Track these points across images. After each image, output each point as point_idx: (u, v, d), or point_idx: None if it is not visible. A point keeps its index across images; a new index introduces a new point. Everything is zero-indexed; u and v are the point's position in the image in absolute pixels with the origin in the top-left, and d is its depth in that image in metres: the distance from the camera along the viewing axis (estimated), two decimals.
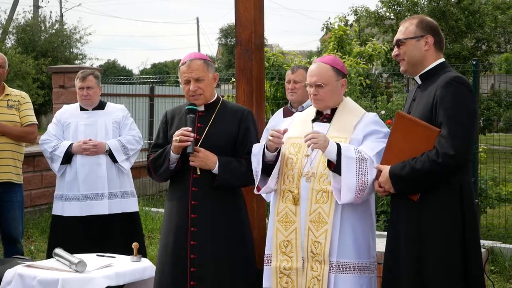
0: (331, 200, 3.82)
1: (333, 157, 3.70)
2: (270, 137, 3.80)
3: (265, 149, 3.93)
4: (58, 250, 4.99)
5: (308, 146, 3.76)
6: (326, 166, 3.83)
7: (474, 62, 9.15)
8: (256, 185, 4.13)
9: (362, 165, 3.71)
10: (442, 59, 3.83)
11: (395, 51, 3.88)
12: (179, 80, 4.41)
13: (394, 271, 3.74)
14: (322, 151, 3.73)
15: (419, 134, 3.61)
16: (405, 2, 21.39)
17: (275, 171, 3.95)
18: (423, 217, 3.60)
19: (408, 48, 3.81)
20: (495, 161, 10.26)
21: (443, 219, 3.58)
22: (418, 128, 3.62)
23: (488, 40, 21.75)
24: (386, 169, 3.62)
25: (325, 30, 23.26)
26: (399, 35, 3.86)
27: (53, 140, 6.26)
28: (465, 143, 3.50)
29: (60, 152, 6.16)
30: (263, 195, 4.32)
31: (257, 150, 4.03)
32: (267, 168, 4.00)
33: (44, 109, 19.42)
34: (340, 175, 3.68)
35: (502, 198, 8.76)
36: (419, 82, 3.85)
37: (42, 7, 31.60)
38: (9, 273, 4.74)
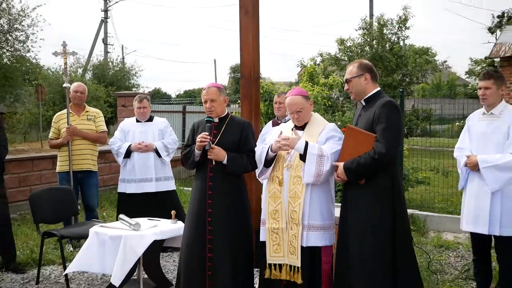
0: (302, 185, 3.88)
1: (301, 152, 3.78)
2: (281, 145, 3.85)
3: (269, 150, 3.98)
4: (122, 216, 4.99)
5: (280, 147, 3.86)
6: (299, 159, 3.87)
7: (401, 90, 9.23)
8: (258, 173, 4.19)
9: (321, 159, 3.75)
10: (378, 88, 3.88)
11: (346, 86, 3.97)
12: (202, 100, 4.45)
13: (345, 229, 3.79)
14: (291, 148, 3.83)
15: (362, 139, 3.68)
16: (354, 49, 21.37)
17: (274, 165, 4.06)
18: (366, 194, 3.66)
19: (353, 84, 3.87)
20: (414, 156, 10.40)
21: (380, 195, 3.65)
22: (361, 135, 3.70)
23: (410, 75, 21.75)
24: (341, 164, 3.68)
25: (300, 67, 23.32)
26: (346, 76, 3.94)
27: (118, 142, 6.27)
28: (392, 145, 3.58)
29: (123, 150, 6.16)
30: (260, 180, 4.30)
31: (259, 150, 4.10)
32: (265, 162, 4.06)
33: (111, 121, 19.35)
34: None
35: (418, 181, 8.81)
36: (363, 104, 3.89)
37: (110, 52, 31.49)
38: (90, 231, 4.75)
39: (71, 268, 4.63)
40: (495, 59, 15.26)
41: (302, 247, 3.87)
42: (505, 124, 4.12)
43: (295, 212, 3.89)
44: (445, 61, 38.36)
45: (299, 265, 3.85)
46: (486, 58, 27.23)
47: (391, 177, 3.68)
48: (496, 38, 23.91)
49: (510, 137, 4.09)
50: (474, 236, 4.35)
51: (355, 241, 3.67)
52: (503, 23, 28.53)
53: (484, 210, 4.12)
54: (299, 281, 3.86)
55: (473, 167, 4.17)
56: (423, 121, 20.34)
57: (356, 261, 3.65)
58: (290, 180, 3.94)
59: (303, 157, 3.80)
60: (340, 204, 4.02)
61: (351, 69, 3.90)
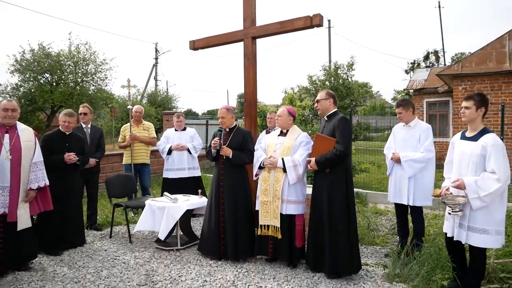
0: (282, 173, 3.90)
1: (281, 167, 3.88)
2: (268, 164, 3.96)
3: (262, 163, 4.04)
4: (165, 193, 4.96)
5: (266, 166, 3.99)
6: (281, 157, 3.92)
7: (349, 110, 9.23)
8: (254, 174, 4.19)
9: (296, 167, 3.84)
10: (336, 109, 3.93)
11: (316, 105, 3.98)
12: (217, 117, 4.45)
13: (315, 201, 3.80)
14: (274, 167, 3.92)
15: (327, 142, 3.71)
16: (318, 83, 21.41)
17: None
18: (329, 178, 3.70)
19: (321, 104, 3.89)
20: (358, 153, 10.40)
21: (338, 179, 3.69)
22: (326, 139, 3.74)
23: (355, 100, 21.76)
24: (313, 159, 3.72)
25: (284, 93, 23.47)
26: (317, 98, 3.98)
27: (163, 144, 6.21)
28: (347, 146, 3.67)
29: (166, 149, 6.11)
30: (254, 178, 4.24)
31: (256, 159, 4.13)
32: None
33: (159, 130, 19.38)
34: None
35: (362, 170, 8.80)
36: (326, 118, 3.91)
37: (158, 85, 31.47)
38: (145, 203, 4.72)
39: (137, 228, 4.62)
40: (410, 90, 15.32)
41: (281, 214, 3.89)
42: (417, 133, 4.18)
43: (277, 191, 3.91)
44: (378, 91, 38.87)
45: (279, 226, 3.88)
46: (404, 89, 27.29)
47: (345, 167, 3.74)
48: (410, 77, 23.99)
49: (421, 142, 4.14)
50: (397, 206, 4.35)
51: (323, 208, 3.70)
52: (414, 67, 28.98)
53: (403, 188, 4.15)
54: (279, 236, 3.90)
55: (397, 160, 4.20)
56: (364, 130, 20.45)
57: (325, 219, 3.67)
58: (275, 170, 3.95)
59: (284, 170, 3.87)
60: (311, 185, 4.02)
61: (321, 94, 3.95)
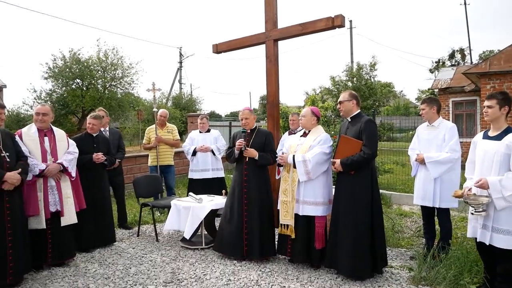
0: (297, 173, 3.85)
1: (291, 162, 3.86)
2: (279, 160, 3.98)
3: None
4: (190, 193, 5.02)
5: (278, 161, 4.02)
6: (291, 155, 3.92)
7: (372, 111, 9.10)
8: (277, 173, 4.22)
9: (305, 163, 3.79)
10: (359, 110, 3.86)
11: (339, 106, 3.92)
12: (240, 118, 4.47)
13: (338, 203, 3.72)
14: (285, 162, 3.93)
15: (353, 144, 3.65)
16: (341, 83, 21.20)
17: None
18: (353, 180, 3.63)
19: (344, 105, 3.82)
20: (382, 154, 10.17)
21: (363, 180, 3.61)
22: (352, 141, 3.66)
23: (378, 101, 21.41)
24: (338, 161, 3.65)
25: (305, 95, 23.37)
26: (340, 99, 3.90)
27: (187, 146, 6.28)
28: (375, 148, 3.59)
29: (191, 151, 6.16)
30: (277, 177, 4.28)
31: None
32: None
33: (184, 132, 19.63)
34: None
35: (385, 171, 8.64)
36: (349, 120, 3.85)
37: (182, 88, 31.90)
38: (171, 203, 4.79)
39: (165, 228, 4.71)
40: (435, 90, 14.94)
41: (298, 215, 3.89)
42: (442, 132, 4.06)
43: (293, 191, 3.90)
44: (401, 91, 38.22)
45: (293, 225, 3.89)
46: (429, 89, 26.65)
47: (370, 168, 3.66)
48: (435, 76, 23.40)
49: (446, 141, 4.01)
50: (423, 208, 4.24)
51: (346, 209, 3.62)
52: (439, 66, 28.26)
53: (429, 190, 4.03)
54: (293, 235, 3.91)
55: (421, 161, 4.09)
56: (387, 131, 20.10)
57: (347, 220, 3.60)
58: (293, 171, 3.92)
59: (294, 166, 3.85)
60: (333, 187, 3.97)
61: (344, 95, 3.87)
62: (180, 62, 32.03)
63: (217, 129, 8.59)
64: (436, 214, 4.18)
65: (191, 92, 31.75)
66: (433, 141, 4.09)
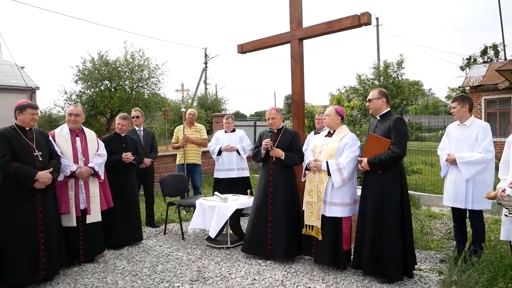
0: (326, 174, 3.81)
1: (325, 170, 3.78)
2: (313, 167, 3.90)
3: (308, 165, 3.99)
4: (216, 193, 5.06)
5: (311, 168, 3.93)
6: (325, 159, 3.85)
7: (400, 110, 8.91)
8: (302, 175, 4.15)
9: (341, 171, 3.73)
10: (389, 108, 3.77)
11: (368, 104, 3.86)
12: (266, 118, 4.45)
13: (365, 203, 3.66)
14: (319, 169, 3.84)
15: (381, 143, 3.58)
16: (367, 82, 20.84)
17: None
18: (382, 180, 3.55)
19: (373, 103, 3.75)
20: (410, 154, 9.93)
21: (392, 180, 3.53)
22: (380, 140, 3.59)
23: (406, 99, 20.92)
24: (365, 159, 3.60)
25: (330, 94, 23.13)
26: (369, 97, 3.84)
27: (213, 145, 6.35)
28: (404, 147, 3.50)
29: (216, 150, 6.23)
30: (303, 179, 4.21)
31: (304, 160, 4.12)
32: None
33: (209, 132, 19.86)
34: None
35: (414, 171, 8.45)
36: (379, 118, 3.76)
37: (208, 88, 32.19)
38: (196, 202, 4.84)
39: (190, 227, 4.77)
40: (466, 88, 14.47)
41: (325, 216, 3.84)
42: (474, 132, 3.92)
43: (320, 192, 3.85)
44: (430, 89, 37.24)
45: (320, 227, 3.84)
46: (459, 87, 25.84)
47: (399, 167, 3.58)
48: (466, 73, 22.65)
49: (478, 141, 3.87)
50: (454, 209, 4.12)
51: (374, 209, 3.55)
52: (470, 63, 27.34)
53: (460, 191, 3.90)
54: (320, 237, 3.85)
55: (452, 162, 3.96)
56: (416, 130, 19.64)
57: (375, 221, 3.53)
58: (319, 171, 3.88)
59: (328, 173, 3.78)
60: (359, 187, 3.91)
61: (373, 93, 3.80)
62: (205, 63, 32.33)
63: (242, 129, 8.64)
64: (468, 216, 4.05)
65: (216, 92, 32.01)
66: (464, 140, 3.96)
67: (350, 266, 3.91)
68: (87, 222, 4.13)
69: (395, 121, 3.55)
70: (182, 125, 6.64)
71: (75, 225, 4.01)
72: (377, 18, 25.92)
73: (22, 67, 20.52)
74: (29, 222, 3.47)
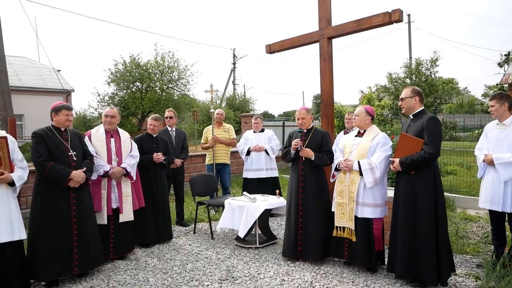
0: (357, 175, 3.75)
1: (357, 170, 3.72)
2: (344, 167, 3.84)
3: (338, 165, 3.94)
4: (244, 192, 5.08)
5: (342, 168, 3.87)
6: (357, 159, 3.78)
7: (433, 109, 8.63)
8: (331, 175, 4.11)
9: (372, 170, 3.66)
10: (423, 107, 3.64)
11: (400, 103, 3.75)
12: (296, 118, 4.42)
13: (398, 206, 3.56)
14: (350, 170, 3.78)
15: (413, 143, 3.46)
16: (399, 80, 20.34)
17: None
18: (415, 181, 3.44)
19: (406, 102, 3.64)
20: (444, 154, 9.63)
21: (425, 181, 3.41)
22: (413, 140, 3.48)
23: (440, 98, 20.26)
24: (397, 160, 3.50)
25: (360, 93, 22.72)
26: (402, 95, 3.72)
27: (242, 145, 6.39)
28: (438, 148, 3.37)
29: (245, 150, 6.27)
30: (331, 180, 4.17)
31: (334, 160, 4.08)
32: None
33: (237, 132, 19.99)
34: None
35: (448, 172, 8.17)
36: (412, 117, 3.65)
37: (236, 89, 32.40)
38: (225, 202, 4.88)
39: (219, 226, 4.81)
40: (505, 85, 13.84)
41: (357, 217, 3.75)
42: None
43: (352, 193, 3.78)
44: (465, 87, 35.96)
45: (353, 228, 3.76)
46: (497, 84, 24.74)
47: (433, 168, 3.45)
48: (504, 70, 21.66)
49: None
50: (492, 212, 3.95)
51: (407, 212, 3.45)
52: (509, 59, 26.13)
53: (498, 193, 3.74)
54: (354, 239, 3.78)
55: (489, 162, 3.80)
56: (450, 130, 18.97)
57: (409, 224, 3.42)
58: (350, 172, 3.82)
59: (360, 173, 3.72)
60: (391, 188, 3.82)
61: (406, 91, 3.69)
62: (234, 63, 32.55)
63: (271, 128, 8.63)
64: (507, 219, 3.87)
65: (245, 92, 32.17)
66: (503, 140, 3.79)
67: (381, 268, 3.83)
68: (120, 221, 4.25)
69: (428, 120, 3.43)
70: (211, 126, 6.71)
71: (106, 223, 4.14)
72: (408, 15, 25.28)
73: (59, 71, 21.40)
74: (63, 219, 3.60)
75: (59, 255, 3.56)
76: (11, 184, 3.26)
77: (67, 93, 20.76)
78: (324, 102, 4.99)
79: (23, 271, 3.38)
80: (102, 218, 4.12)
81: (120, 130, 4.50)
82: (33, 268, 3.51)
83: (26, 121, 19.05)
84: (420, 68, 20.47)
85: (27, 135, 15.59)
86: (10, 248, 3.22)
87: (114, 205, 4.23)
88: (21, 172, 3.35)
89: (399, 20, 4.25)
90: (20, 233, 3.27)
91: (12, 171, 3.27)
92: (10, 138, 3.35)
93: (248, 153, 6.23)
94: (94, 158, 4.06)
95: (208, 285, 3.60)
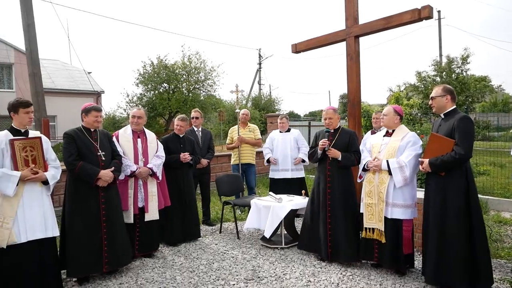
0: (387, 175, 3.68)
1: (386, 169, 3.66)
2: (373, 167, 3.78)
3: (366, 165, 3.89)
4: (270, 193, 5.07)
5: (370, 168, 3.81)
6: (385, 159, 3.70)
7: (465, 107, 8.34)
8: (358, 176, 4.06)
9: (402, 169, 3.59)
10: (455, 106, 3.50)
11: (430, 102, 3.63)
12: (322, 118, 4.38)
13: (428, 207, 3.45)
14: (379, 169, 3.71)
15: (444, 143, 3.34)
16: (428, 79, 19.78)
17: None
18: (445, 183, 3.33)
19: (437, 101, 3.51)
20: (476, 155, 9.26)
21: (456, 183, 3.29)
22: (443, 140, 3.35)
23: (472, 96, 19.58)
24: (426, 160, 3.39)
25: (389, 92, 22.23)
26: (432, 94, 3.59)
27: (267, 148, 6.37)
28: (469, 149, 3.24)
29: (269, 151, 6.29)
30: (359, 181, 4.12)
31: (361, 161, 4.02)
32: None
33: (263, 132, 20.00)
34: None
35: (480, 173, 7.88)
36: (443, 117, 3.52)
37: (261, 89, 32.42)
38: (251, 202, 4.89)
39: (245, 226, 4.84)
40: None
41: (386, 218, 3.67)
42: None
43: (381, 193, 3.71)
44: (500, 85, 34.54)
45: (383, 230, 3.69)
46: None
47: (465, 169, 3.31)
48: None
49: None
50: None
51: (436, 214, 3.33)
52: None
53: None
54: (383, 240, 3.70)
55: None
56: (483, 129, 18.29)
57: (439, 227, 3.31)
58: (379, 172, 3.75)
59: (389, 172, 3.64)
60: (421, 189, 3.72)
61: (437, 90, 3.55)
62: (260, 64, 32.60)
63: (297, 128, 8.58)
64: None
65: (270, 92, 32.13)
66: None
67: (409, 271, 3.74)
68: (146, 219, 4.33)
69: (460, 119, 3.31)
70: (236, 126, 6.74)
71: (132, 222, 4.22)
72: (438, 11, 24.57)
73: (89, 73, 22.09)
74: (93, 218, 3.71)
75: (89, 252, 3.66)
76: (45, 182, 3.38)
77: (97, 95, 21.39)
78: (351, 101, 4.92)
79: (56, 267, 3.50)
80: (129, 217, 4.21)
81: (146, 130, 4.59)
82: (64, 264, 3.64)
83: (59, 122, 19.78)
84: (451, 65, 19.84)
85: (60, 136, 16.16)
86: (44, 245, 3.34)
87: (140, 204, 4.31)
88: (54, 171, 3.47)
89: (429, 17, 4.15)
90: (53, 230, 3.39)
91: (46, 170, 3.39)
92: (44, 138, 3.49)
93: (268, 161, 6.23)
94: (122, 158, 4.16)
95: (234, 284, 3.62)
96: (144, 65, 18.97)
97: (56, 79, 21.35)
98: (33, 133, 3.48)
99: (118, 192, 4.03)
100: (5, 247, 3.13)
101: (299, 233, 5.03)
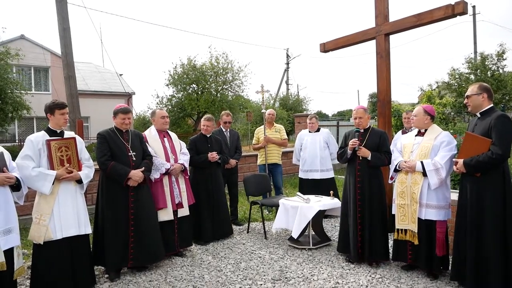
0: (420, 175, 3.59)
1: (421, 171, 3.57)
2: (406, 168, 3.70)
3: (397, 166, 3.83)
4: (298, 193, 5.05)
5: (403, 169, 3.73)
6: (419, 159, 3.61)
7: (502, 106, 7.98)
8: (390, 177, 3.98)
9: (437, 171, 3.48)
10: (492, 105, 3.35)
11: (466, 100, 3.47)
12: (352, 117, 4.32)
13: (463, 209, 3.32)
14: (413, 171, 3.62)
15: (480, 142, 3.19)
16: (462, 77, 19.06)
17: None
18: (480, 184, 3.19)
19: (472, 99, 3.37)
20: None
21: (492, 185, 3.15)
22: (479, 139, 3.21)
23: (509, 94, 18.72)
24: (461, 160, 3.26)
25: (420, 91, 21.61)
26: (468, 93, 3.44)
27: (297, 148, 6.35)
28: (507, 148, 3.09)
29: (299, 151, 6.26)
30: (390, 182, 4.04)
31: (392, 161, 3.95)
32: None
33: (291, 132, 19.87)
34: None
35: None
36: (479, 116, 3.37)
37: (289, 89, 32.29)
38: (279, 202, 4.88)
39: (274, 226, 4.84)
40: None
41: (420, 219, 3.58)
42: None
43: (414, 194, 3.62)
44: None
45: (416, 231, 3.60)
46: None
47: (502, 170, 3.16)
48: None
49: None
50: None
51: (472, 216, 3.20)
52: None
53: None
54: (416, 242, 3.61)
55: None
56: None
57: (473, 230, 3.18)
58: (412, 172, 3.66)
59: (424, 174, 3.54)
60: (454, 190, 3.60)
61: (473, 88, 3.40)
62: (287, 63, 32.48)
63: (326, 128, 8.50)
64: None
65: (298, 92, 32.00)
66: None
67: (442, 274, 3.62)
68: (179, 215, 4.42)
69: (497, 118, 3.16)
70: (262, 126, 6.75)
71: (173, 218, 4.32)
72: (473, 7, 23.68)
73: (121, 75, 22.71)
74: (122, 215, 3.82)
75: (117, 248, 3.78)
76: (79, 181, 3.50)
77: (128, 96, 21.98)
78: (381, 100, 4.82)
79: (89, 263, 3.62)
80: (168, 214, 4.30)
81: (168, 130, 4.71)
82: (97, 260, 3.80)
83: (92, 122, 20.47)
84: (485, 62, 19.04)
85: (93, 136, 16.72)
86: (77, 242, 3.45)
87: (177, 200, 4.39)
88: (88, 170, 3.58)
89: (463, 12, 4.00)
90: (86, 228, 3.50)
91: (80, 169, 3.50)
92: (78, 139, 3.60)
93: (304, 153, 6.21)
94: (154, 158, 4.25)
95: (261, 284, 3.62)
96: (175, 66, 19.35)
97: (90, 81, 22.11)
98: (68, 134, 3.61)
99: (149, 191, 4.11)
100: (42, 243, 3.27)
101: (327, 234, 4.98)
